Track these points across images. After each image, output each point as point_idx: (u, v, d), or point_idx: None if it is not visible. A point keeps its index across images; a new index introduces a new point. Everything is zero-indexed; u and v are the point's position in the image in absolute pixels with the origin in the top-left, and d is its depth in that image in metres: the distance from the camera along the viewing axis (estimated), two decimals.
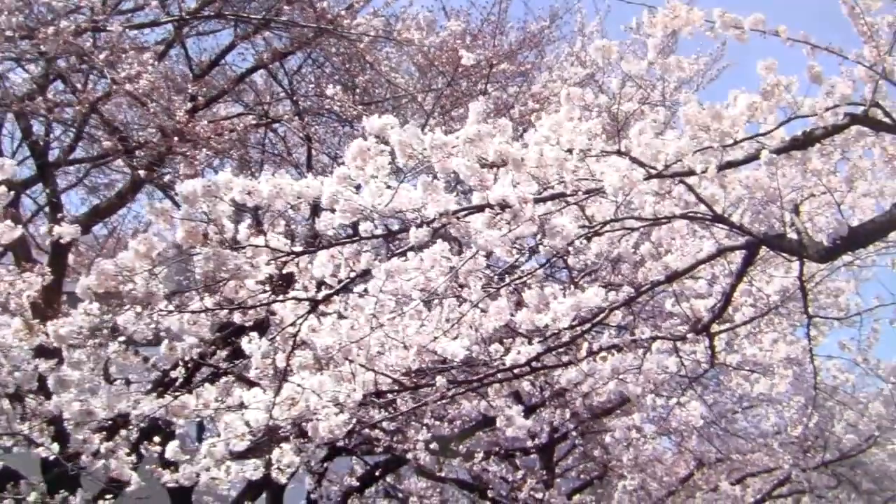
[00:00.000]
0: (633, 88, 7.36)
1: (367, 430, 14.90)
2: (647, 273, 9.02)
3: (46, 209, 16.26)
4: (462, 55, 13.82)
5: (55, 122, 14.69)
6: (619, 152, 6.57)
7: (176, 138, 12.59)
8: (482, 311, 8.24)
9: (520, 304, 8.49)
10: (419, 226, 5.79)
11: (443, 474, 17.65)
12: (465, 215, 6.07)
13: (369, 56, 14.85)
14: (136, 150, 13.46)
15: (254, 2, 15.48)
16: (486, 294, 7.90)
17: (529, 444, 17.10)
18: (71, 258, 15.48)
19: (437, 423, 14.98)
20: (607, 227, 8.11)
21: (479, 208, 5.86)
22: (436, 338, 7.89)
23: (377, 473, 18.66)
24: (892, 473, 19.44)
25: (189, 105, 14.93)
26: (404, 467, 18.57)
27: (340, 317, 7.01)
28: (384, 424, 14.47)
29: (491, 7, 15.57)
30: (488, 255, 11.78)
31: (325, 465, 17.09)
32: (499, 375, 9.30)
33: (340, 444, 15.57)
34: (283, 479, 7.40)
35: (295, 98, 17.39)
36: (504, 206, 5.77)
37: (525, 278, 8.29)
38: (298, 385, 6.82)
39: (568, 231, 5.68)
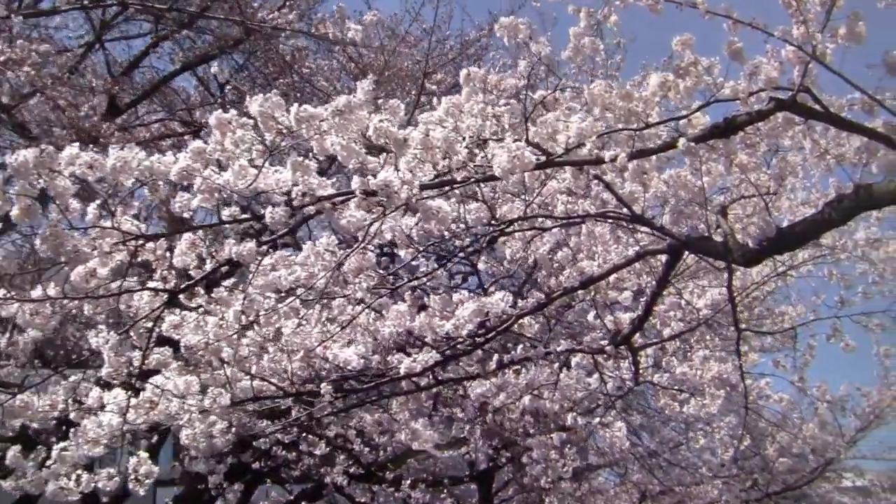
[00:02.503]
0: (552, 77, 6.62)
1: (286, 453, 14.16)
2: (564, 280, 8.32)
3: None
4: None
5: None
6: (527, 141, 5.87)
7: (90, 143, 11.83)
8: (377, 314, 7.55)
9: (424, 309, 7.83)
10: (276, 205, 5.04)
11: None
12: (342, 201, 5.38)
13: (292, 59, 14.19)
14: None
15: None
16: (380, 296, 7.19)
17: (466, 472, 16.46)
18: None
19: (367, 449, 14.21)
20: (515, 226, 7.44)
21: (350, 193, 5.14)
22: (323, 341, 7.18)
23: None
24: None
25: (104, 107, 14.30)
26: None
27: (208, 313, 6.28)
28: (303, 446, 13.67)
29: (420, 6, 14.85)
30: (388, 254, 11.07)
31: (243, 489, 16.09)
32: (402, 386, 8.61)
33: (256, 466, 14.78)
34: (140, 491, 6.55)
35: (224, 104, 16.66)
36: (388, 192, 5.07)
37: (424, 280, 7.56)
38: (157, 386, 6.08)
39: (444, 214, 4.91)
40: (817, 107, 6.01)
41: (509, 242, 8.67)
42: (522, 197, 7.48)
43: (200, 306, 6.05)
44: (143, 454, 6.23)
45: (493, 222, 7.27)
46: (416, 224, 5.52)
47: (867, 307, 8.77)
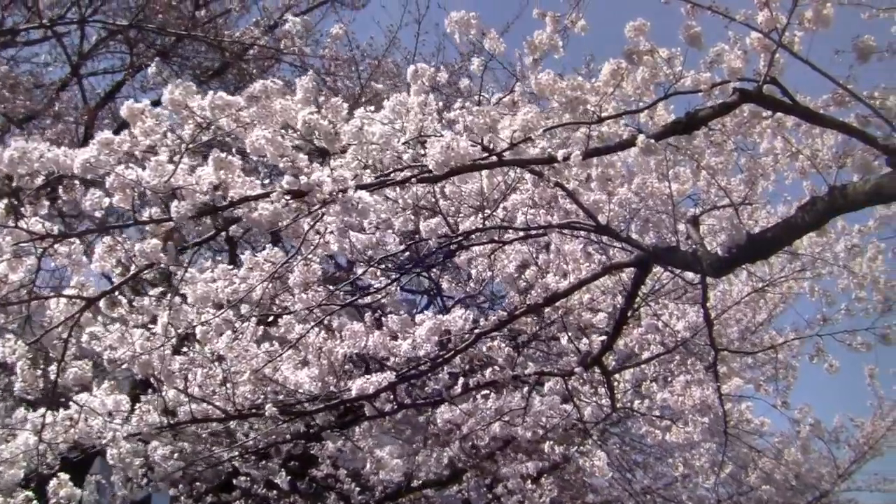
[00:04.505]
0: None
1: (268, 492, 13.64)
2: (530, 298, 7.88)
3: None
4: None
5: None
6: (483, 149, 5.44)
7: None
8: (328, 331, 7.12)
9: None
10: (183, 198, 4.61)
11: None
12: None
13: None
14: None
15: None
16: (329, 312, 6.76)
17: None
18: None
19: (357, 487, 13.69)
20: (474, 238, 7.02)
21: (267, 194, 4.71)
22: (269, 361, 6.75)
23: None
24: None
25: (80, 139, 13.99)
26: None
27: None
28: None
29: (397, 30, 14.49)
30: (345, 269, 10.63)
31: None
32: (366, 411, 8.17)
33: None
34: None
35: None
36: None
37: (380, 297, 7.12)
38: (80, 405, 5.65)
39: (366, 205, 4.48)
40: (786, 99, 5.59)
41: (475, 263, 8.24)
42: (484, 211, 7.09)
43: (120, 316, 5.59)
44: (64, 476, 5.81)
45: (448, 234, 6.87)
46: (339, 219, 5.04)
47: (850, 324, 8.32)
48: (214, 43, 12.42)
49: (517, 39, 6.18)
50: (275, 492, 13.36)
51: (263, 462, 10.50)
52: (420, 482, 13.22)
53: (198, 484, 13.43)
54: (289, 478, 12.36)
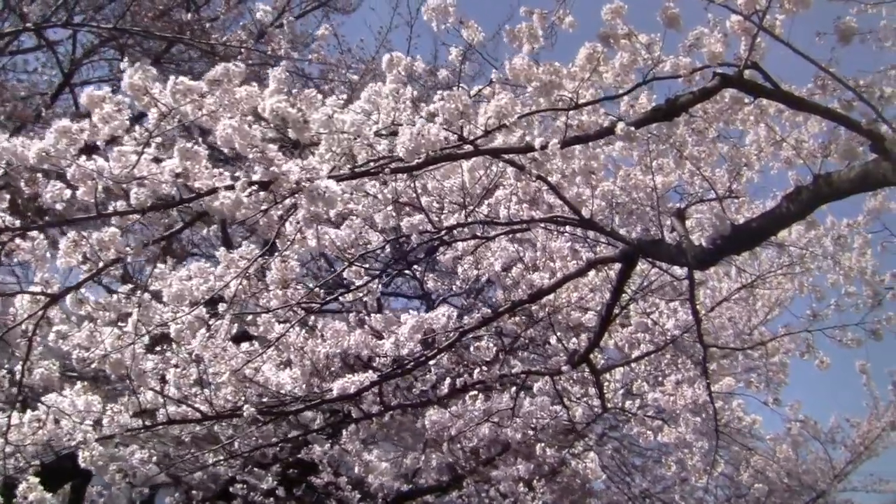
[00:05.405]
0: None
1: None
2: (515, 295, 7.75)
3: None
4: None
5: None
6: (459, 139, 5.31)
7: None
8: (309, 331, 7.00)
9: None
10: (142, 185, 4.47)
11: None
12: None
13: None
14: None
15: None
16: (309, 311, 6.63)
17: None
18: None
19: (358, 496, 13.53)
20: (455, 234, 6.89)
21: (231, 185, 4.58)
22: (248, 361, 6.62)
23: None
24: None
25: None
26: None
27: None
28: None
29: (386, 32, 14.39)
30: (328, 263, 10.48)
31: None
32: (353, 413, 8.03)
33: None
34: None
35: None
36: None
37: (361, 295, 6.98)
38: (48, 406, 5.52)
39: (332, 194, 4.34)
40: (767, 84, 5.47)
41: (462, 262, 8.10)
42: (466, 207, 6.96)
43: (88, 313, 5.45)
44: (33, 479, 5.68)
45: (430, 229, 6.74)
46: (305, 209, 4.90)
47: (841, 320, 8.17)
48: (205, 48, 12.28)
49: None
50: (272, 499, 13.25)
51: (250, 467, 10.36)
52: (419, 488, 13.13)
53: (194, 493, 13.33)
54: (276, 483, 12.27)
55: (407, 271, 10.87)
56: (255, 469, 10.66)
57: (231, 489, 12.83)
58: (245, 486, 12.74)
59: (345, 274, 6.87)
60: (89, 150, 4.61)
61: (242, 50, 12.06)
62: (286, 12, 13.79)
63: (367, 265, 7.30)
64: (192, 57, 15.01)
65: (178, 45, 14.20)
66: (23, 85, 14.82)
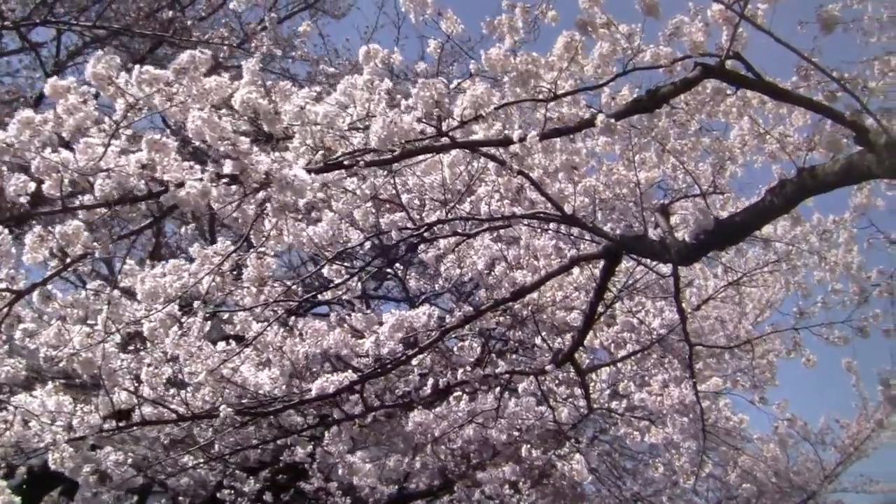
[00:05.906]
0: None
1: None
2: (498, 294, 7.64)
3: None
4: None
5: None
6: (437, 132, 5.20)
7: None
8: (287, 330, 6.88)
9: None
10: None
11: None
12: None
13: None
14: None
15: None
16: (286, 309, 6.51)
17: None
18: None
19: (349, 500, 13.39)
20: (436, 231, 6.78)
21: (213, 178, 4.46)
22: (224, 361, 6.49)
23: None
24: None
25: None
26: None
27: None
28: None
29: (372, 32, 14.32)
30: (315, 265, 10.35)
31: None
32: (334, 415, 7.90)
33: None
34: None
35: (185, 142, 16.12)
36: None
37: (340, 293, 6.87)
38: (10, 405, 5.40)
39: (301, 183, 4.22)
40: (749, 74, 5.37)
41: (444, 260, 8.00)
42: (448, 203, 6.85)
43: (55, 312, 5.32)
44: (2, 482, 5.56)
45: (410, 225, 6.63)
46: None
47: (827, 317, 8.07)
48: (190, 47, 12.17)
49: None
50: None
51: (233, 471, 10.22)
52: (410, 493, 13.02)
53: (181, 499, 13.19)
54: (264, 488, 12.13)
55: (388, 270, 10.72)
56: (241, 473, 10.52)
57: (218, 495, 12.69)
58: (233, 491, 12.61)
59: (325, 273, 6.76)
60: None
61: (225, 47, 11.93)
62: (272, 11, 13.74)
63: (347, 264, 7.19)
64: (176, 56, 14.94)
65: (163, 46, 14.12)
66: (6, 88, 14.70)
